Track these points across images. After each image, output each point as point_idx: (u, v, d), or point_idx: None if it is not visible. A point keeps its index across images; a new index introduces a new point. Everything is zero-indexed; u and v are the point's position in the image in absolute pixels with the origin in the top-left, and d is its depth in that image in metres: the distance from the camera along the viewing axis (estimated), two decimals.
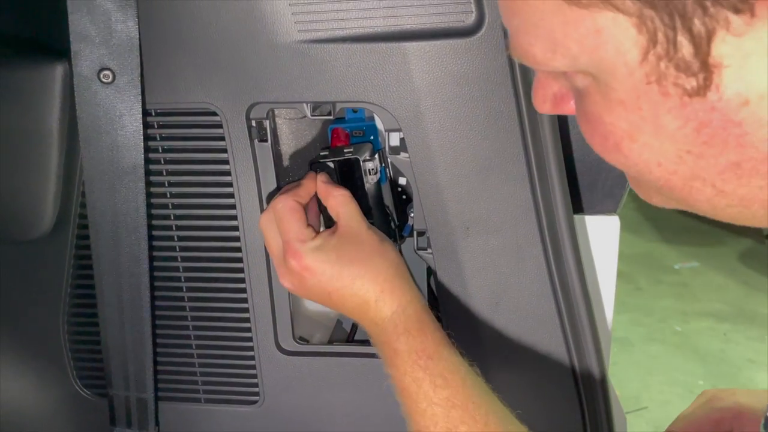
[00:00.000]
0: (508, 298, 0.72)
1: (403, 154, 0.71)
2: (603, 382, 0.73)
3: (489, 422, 0.59)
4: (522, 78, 0.64)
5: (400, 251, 0.77)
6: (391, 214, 0.78)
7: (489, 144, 0.67)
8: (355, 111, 0.79)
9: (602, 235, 0.79)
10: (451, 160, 0.68)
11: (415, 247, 0.76)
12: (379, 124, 0.77)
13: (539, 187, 0.68)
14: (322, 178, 0.71)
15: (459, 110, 0.66)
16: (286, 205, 0.66)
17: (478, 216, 0.70)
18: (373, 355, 0.78)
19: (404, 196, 0.80)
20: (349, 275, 0.65)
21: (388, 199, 0.79)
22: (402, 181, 0.79)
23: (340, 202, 0.69)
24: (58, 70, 0.72)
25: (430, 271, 0.79)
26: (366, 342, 0.80)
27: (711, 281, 3.53)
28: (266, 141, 0.73)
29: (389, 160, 0.78)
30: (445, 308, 0.74)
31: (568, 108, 0.43)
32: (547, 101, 0.45)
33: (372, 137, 0.80)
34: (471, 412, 0.59)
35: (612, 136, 0.37)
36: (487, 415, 0.60)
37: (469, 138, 0.67)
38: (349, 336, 0.88)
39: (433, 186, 0.69)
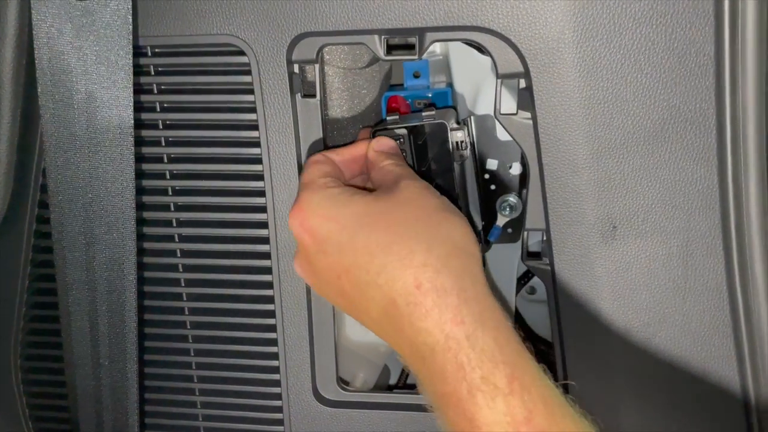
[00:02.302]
0: (667, 329, 0.53)
1: (521, 114, 0.51)
2: None
3: None
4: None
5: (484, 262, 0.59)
6: (476, 210, 0.60)
7: (665, 97, 0.47)
8: (416, 75, 0.62)
9: None
10: (601, 120, 0.48)
11: (523, 255, 0.57)
12: (461, 87, 0.59)
13: (731, 168, 0.48)
14: (379, 142, 0.52)
15: (624, 42, 0.46)
16: (311, 158, 0.51)
17: (633, 209, 0.50)
18: None
19: (492, 186, 0.61)
20: (363, 243, 0.43)
21: (471, 190, 0.60)
22: (491, 165, 0.60)
23: (389, 163, 0.50)
24: None
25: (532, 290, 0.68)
26: None
27: None
28: (314, 96, 0.54)
29: (475, 135, 0.59)
30: (568, 342, 0.56)
31: None
32: None
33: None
34: None
35: None
36: None
37: (634, 86, 0.47)
38: (401, 377, 0.72)
39: (568, 163, 0.50)
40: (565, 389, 0.57)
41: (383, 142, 0.52)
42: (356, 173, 0.53)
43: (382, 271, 0.41)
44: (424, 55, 0.53)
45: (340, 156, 0.51)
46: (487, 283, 0.43)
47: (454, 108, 0.60)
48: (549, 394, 0.39)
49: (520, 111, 0.51)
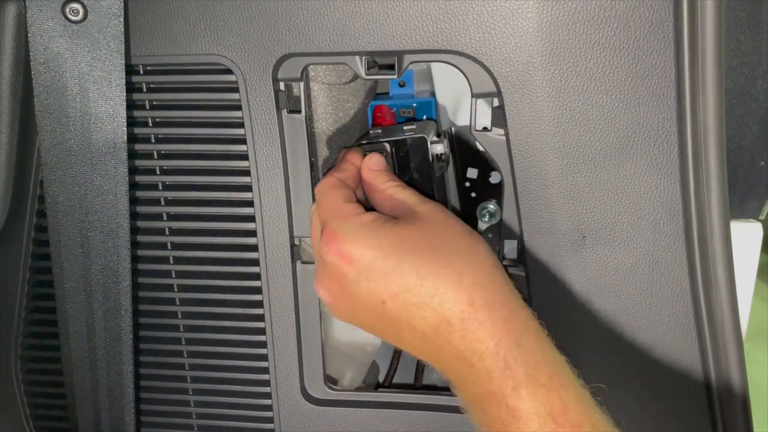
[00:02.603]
0: (635, 332, 0.54)
1: (495, 131, 0.52)
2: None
3: None
4: (689, 23, 0.45)
5: None
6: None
7: (629, 116, 0.48)
8: (401, 84, 0.63)
9: (740, 244, 0.62)
10: (569, 138, 0.49)
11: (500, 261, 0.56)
12: (442, 98, 0.60)
13: (693, 181, 0.49)
14: (372, 161, 0.53)
15: (590, 66, 0.47)
16: (325, 182, 0.51)
17: (601, 220, 0.52)
18: (436, 408, 0.62)
19: (473, 194, 0.62)
20: (410, 269, 0.44)
21: (453, 197, 0.62)
22: (471, 173, 0.61)
23: (390, 185, 0.51)
24: (10, 10, 0.54)
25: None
26: (426, 388, 0.66)
27: None
28: (299, 112, 0.55)
29: (455, 145, 0.60)
30: None
31: None
32: None
33: (425, 117, 0.63)
34: None
35: None
36: None
37: (600, 106, 0.48)
38: (387, 377, 0.71)
39: (539, 177, 0.51)
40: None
41: (376, 161, 0.53)
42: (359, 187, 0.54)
43: (435, 293, 0.43)
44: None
45: (346, 175, 0.52)
46: (514, 286, 0.47)
47: (435, 120, 0.61)
48: (583, 393, 0.43)
49: (494, 128, 0.52)
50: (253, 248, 0.58)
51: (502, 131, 0.52)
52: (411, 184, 0.57)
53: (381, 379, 0.71)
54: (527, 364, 0.42)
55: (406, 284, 0.44)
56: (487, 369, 0.42)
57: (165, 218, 0.60)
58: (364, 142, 0.56)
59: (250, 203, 0.57)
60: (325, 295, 0.48)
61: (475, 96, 0.51)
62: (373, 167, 0.53)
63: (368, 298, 0.45)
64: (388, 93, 0.63)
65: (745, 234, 0.63)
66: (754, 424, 0.56)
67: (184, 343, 0.63)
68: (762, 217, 0.63)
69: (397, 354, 0.69)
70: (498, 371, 0.42)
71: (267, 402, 0.63)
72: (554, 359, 0.43)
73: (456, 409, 0.56)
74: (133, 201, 0.58)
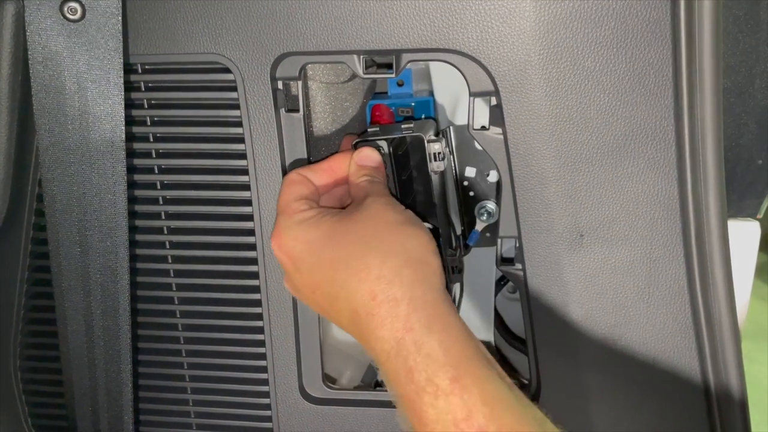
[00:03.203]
0: (633, 330, 0.54)
1: (493, 130, 0.51)
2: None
3: None
4: (686, 21, 0.44)
5: (460, 267, 0.62)
6: (456, 215, 0.61)
7: (626, 114, 0.48)
8: (400, 84, 0.63)
9: (738, 243, 0.61)
10: (567, 136, 0.49)
11: (498, 260, 0.58)
12: (441, 97, 0.60)
13: (690, 179, 0.49)
14: (361, 155, 0.53)
15: (587, 64, 0.47)
16: (287, 177, 0.52)
17: (598, 218, 0.52)
18: None
19: (471, 193, 0.62)
20: (328, 261, 0.45)
21: (451, 196, 0.61)
22: (469, 172, 0.61)
23: (365, 179, 0.51)
24: (8, 9, 0.54)
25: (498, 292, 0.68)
26: None
27: None
28: (297, 111, 0.55)
29: (454, 144, 0.60)
30: (540, 342, 0.57)
31: None
32: None
33: (423, 116, 0.63)
34: None
35: None
36: None
37: (597, 105, 0.48)
38: None
39: (537, 176, 0.51)
40: (539, 388, 0.59)
41: (365, 154, 0.53)
42: (339, 184, 0.54)
43: (344, 285, 0.44)
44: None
45: (316, 172, 0.52)
46: (443, 289, 0.45)
47: (434, 119, 0.61)
48: (492, 393, 0.40)
49: (492, 126, 0.52)
50: (252, 247, 0.58)
51: (500, 130, 0.52)
52: (410, 182, 0.57)
53: (379, 377, 0.71)
54: (428, 368, 0.40)
55: (325, 276, 0.45)
56: (394, 371, 0.42)
57: (163, 217, 0.60)
58: (361, 140, 0.56)
59: (248, 202, 0.57)
60: (286, 285, 0.51)
61: (473, 95, 0.51)
62: (360, 161, 0.53)
63: (303, 288, 0.48)
64: (386, 92, 0.62)
65: (743, 233, 0.63)
66: (753, 423, 0.56)
67: (182, 342, 0.63)
68: (760, 216, 0.64)
69: None
70: (403, 374, 0.41)
71: (265, 401, 0.63)
72: (461, 359, 0.41)
73: None
74: (132, 200, 0.58)
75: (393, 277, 0.43)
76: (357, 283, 0.43)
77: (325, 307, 0.47)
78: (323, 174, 0.52)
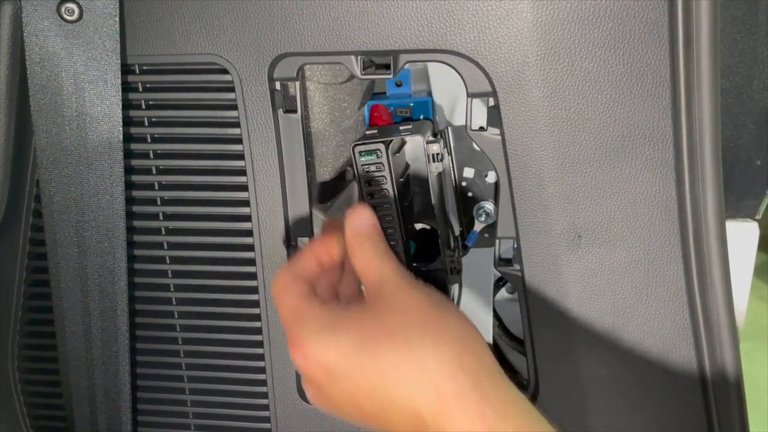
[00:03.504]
0: (631, 332, 0.54)
1: (491, 131, 0.52)
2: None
3: None
4: (684, 22, 0.44)
5: (458, 268, 0.61)
6: (454, 216, 0.61)
7: (624, 115, 0.48)
8: (398, 84, 0.63)
9: (736, 244, 0.61)
10: (564, 137, 0.49)
11: (496, 262, 0.58)
12: (439, 98, 0.60)
13: (688, 180, 0.49)
14: (357, 219, 0.49)
15: (585, 65, 0.47)
16: (279, 283, 0.47)
17: (596, 219, 0.51)
18: None
19: (469, 194, 0.62)
20: (372, 364, 0.42)
21: (450, 197, 0.62)
22: (467, 173, 0.62)
23: (370, 255, 0.47)
24: (6, 10, 0.54)
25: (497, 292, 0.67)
26: None
27: None
28: (294, 111, 0.55)
29: (452, 145, 0.60)
30: (538, 344, 0.57)
31: None
32: None
33: (422, 117, 0.63)
34: None
35: None
36: None
37: (595, 105, 0.48)
38: None
39: (534, 177, 0.51)
40: (537, 388, 0.58)
41: (360, 218, 0.49)
42: (327, 271, 0.50)
43: (399, 389, 0.41)
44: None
45: (303, 265, 0.48)
46: (499, 367, 0.44)
47: (432, 120, 0.61)
48: None
49: (490, 127, 0.52)
50: (250, 248, 0.58)
51: (497, 131, 0.51)
52: (407, 183, 0.57)
53: None
54: None
55: (373, 384, 0.42)
56: None
57: (161, 218, 0.59)
58: (359, 142, 0.56)
59: (246, 203, 0.57)
60: (312, 398, 0.47)
61: (471, 95, 0.51)
62: (358, 227, 0.49)
63: (342, 396, 0.44)
64: (385, 93, 0.62)
65: (741, 233, 0.63)
66: (753, 423, 0.56)
67: (180, 342, 0.63)
68: (758, 217, 0.63)
69: None
70: None
71: (264, 402, 0.63)
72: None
73: None
74: (129, 201, 0.58)
75: (455, 369, 0.41)
76: (416, 385, 0.41)
77: (375, 414, 0.43)
78: (308, 263, 0.48)
